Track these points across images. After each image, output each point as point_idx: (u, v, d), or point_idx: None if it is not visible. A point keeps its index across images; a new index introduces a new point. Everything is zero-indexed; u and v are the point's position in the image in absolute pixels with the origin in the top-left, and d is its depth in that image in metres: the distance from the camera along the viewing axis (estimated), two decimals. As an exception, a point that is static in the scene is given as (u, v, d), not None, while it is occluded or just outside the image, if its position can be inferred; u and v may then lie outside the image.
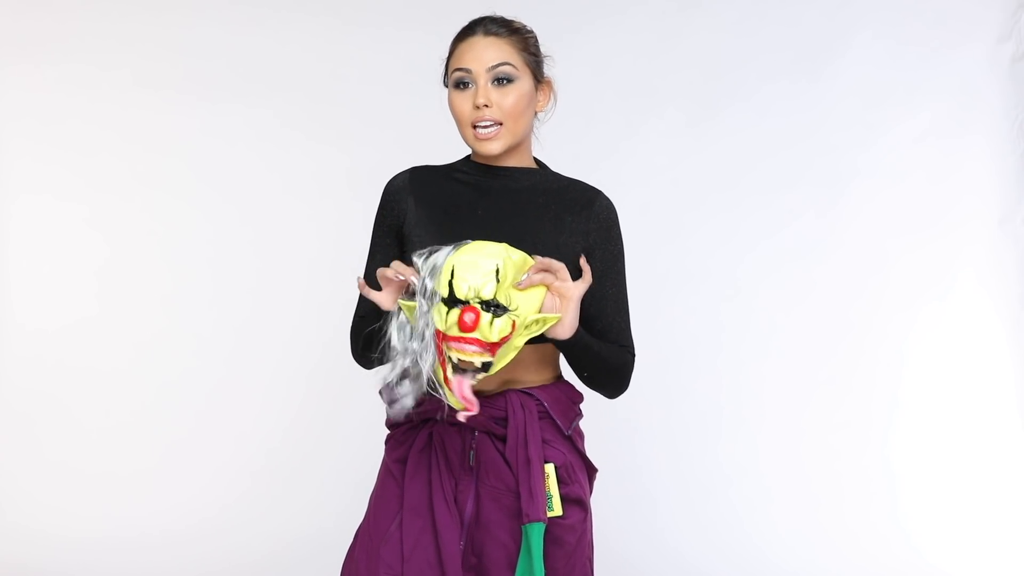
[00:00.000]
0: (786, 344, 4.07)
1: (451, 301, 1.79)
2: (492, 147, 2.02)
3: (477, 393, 1.96)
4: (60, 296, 4.12)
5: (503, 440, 2.03)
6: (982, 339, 4.02)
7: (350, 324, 2.10)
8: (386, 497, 2.09)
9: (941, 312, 4.03)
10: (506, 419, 2.03)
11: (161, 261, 4.14)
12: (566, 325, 1.89)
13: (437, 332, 1.80)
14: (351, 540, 2.17)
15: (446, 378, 1.81)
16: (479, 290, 1.78)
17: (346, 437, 3.94)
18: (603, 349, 2.02)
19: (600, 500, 2.18)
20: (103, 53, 4.11)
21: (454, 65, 2.03)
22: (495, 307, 1.79)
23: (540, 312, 1.86)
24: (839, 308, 4.06)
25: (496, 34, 2.03)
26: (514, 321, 1.81)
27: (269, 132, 4.13)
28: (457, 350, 1.79)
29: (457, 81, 2.02)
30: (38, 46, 4.11)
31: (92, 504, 3.99)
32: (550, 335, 1.90)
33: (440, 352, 1.80)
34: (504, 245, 1.85)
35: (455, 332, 1.78)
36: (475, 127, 2.01)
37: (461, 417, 1.84)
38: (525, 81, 2.03)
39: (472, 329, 1.77)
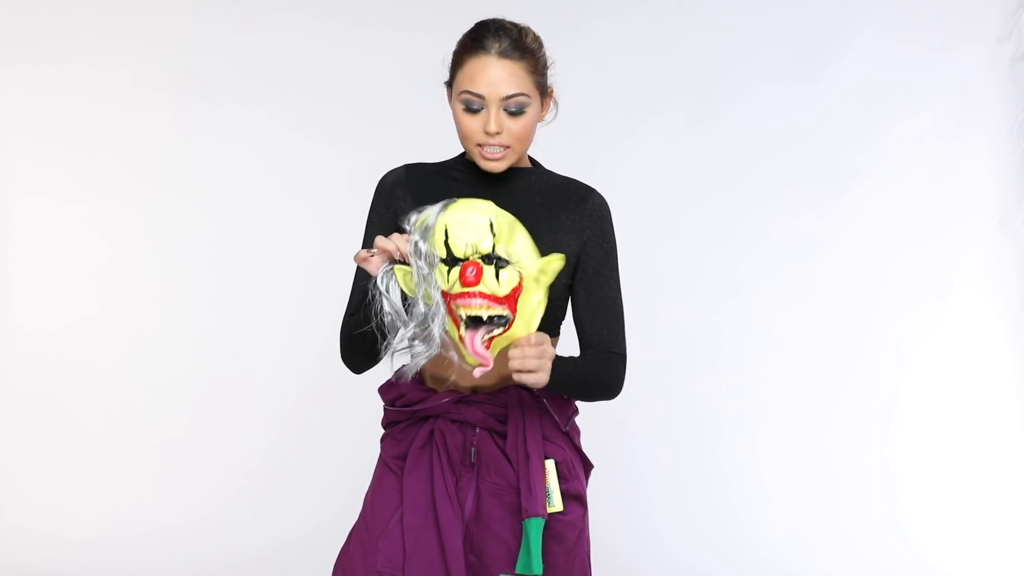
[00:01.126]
0: (786, 344, 4.07)
1: (450, 261, 1.80)
2: (498, 167, 2.02)
3: (475, 390, 2.04)
4: (60, 296, 4.12)
5: (504, 437, 2.04)
6: (982, 339, 4.01)
7: (340, 326, 2.08)
8: (384, 492, 2.09)
9: (941, 312, 4.03)
10: (506, 415, 2.04)
11: (161, 261, 4.14)
12: (543, 379, 1.88)
13: (444, 294, 1.81)
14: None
15: (460, 337, 1.82)
16: (476, 245, 1.80)
17: (343, 436, 3.95)
18: (587, 373, 2.03)
19: (598, 501, 2.19)
20: (103, 53, 4.11)
21: (464, 86, 1.98)
22: (496, 259, 1.81)
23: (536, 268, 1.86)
24: (839, 308, 4.06)
25: (509, 56, 1.97)
26: (520, 273, 1.82)
27: (268, 133, 4.13)
28: (463, 306, 1.79)
29: (467, 104, 1.99)
30: (38, 46, 4.10)
31: (91, 504, 3.99)
32: (529, 383, 1.88)
33: (451, 312, 1.81)
34: (489, 203, 1.86)
35: (458, 289, 1.79)
36: (481, 145, 2.00)
37: (477, 373, 1.83)
38: (535, 106, 2.01)
39: (475, 283, 1.78)
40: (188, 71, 4.13)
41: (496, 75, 1.96)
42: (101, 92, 4.11)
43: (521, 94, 1.97)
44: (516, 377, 1.87)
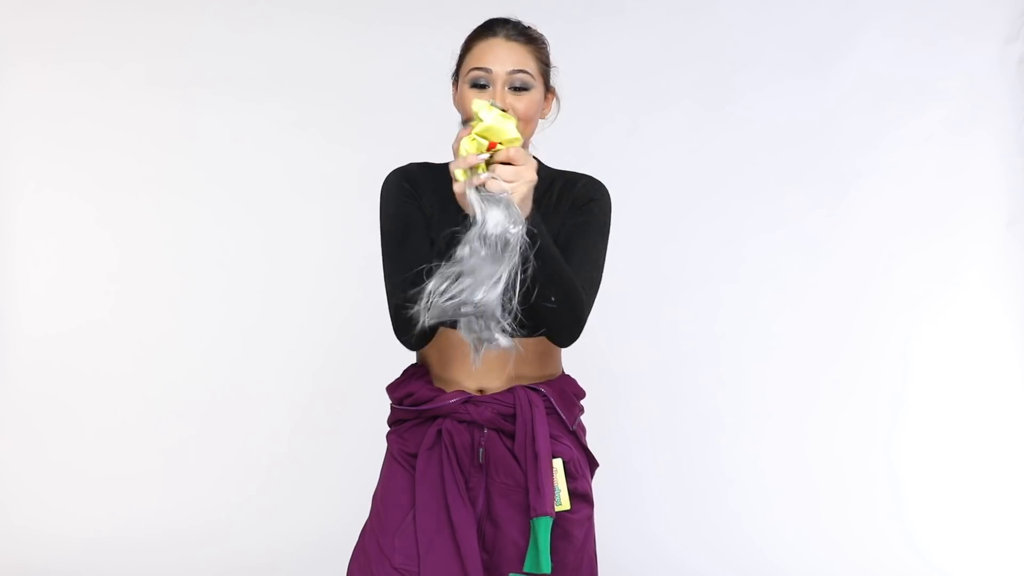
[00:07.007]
0: (790, 344, 4.06)
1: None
2: None
3: (482, 390, 2.07)
4: (68, 298, 4.11)
5: (511, 437, 2.06)
6: (989, 339, 4.01)
7: (391, 304, 2.00)
8: (396, 487, 2.10)
9: (947, 312, 4.02)
10: (514, 415, 2.05)
11: (169, 262, 4.13)
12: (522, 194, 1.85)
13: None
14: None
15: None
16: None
17: (354, 438, 3.92)
18: (564, 265, 1.95)
19: (600, 505, 2.20)
20: (111, 51, 4.11)
21: (473, 64, 2.06)
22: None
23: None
24: (844, 308, 4.06)
25: (516, 40, 2.07)
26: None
27: (277, 131, 4.12)
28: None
29: (474, 81, 2.05)
30: (45, 45, 4.10)
31: (98, 506, 3.99)
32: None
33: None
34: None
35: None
36: None
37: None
38: (538, 90, 2.07)
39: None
40: (196, 70, 4.13)
41: (503, 53, 2.05)
42: (109, 91, 4.11)
43: (525, 71, 2.05)
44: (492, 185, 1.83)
